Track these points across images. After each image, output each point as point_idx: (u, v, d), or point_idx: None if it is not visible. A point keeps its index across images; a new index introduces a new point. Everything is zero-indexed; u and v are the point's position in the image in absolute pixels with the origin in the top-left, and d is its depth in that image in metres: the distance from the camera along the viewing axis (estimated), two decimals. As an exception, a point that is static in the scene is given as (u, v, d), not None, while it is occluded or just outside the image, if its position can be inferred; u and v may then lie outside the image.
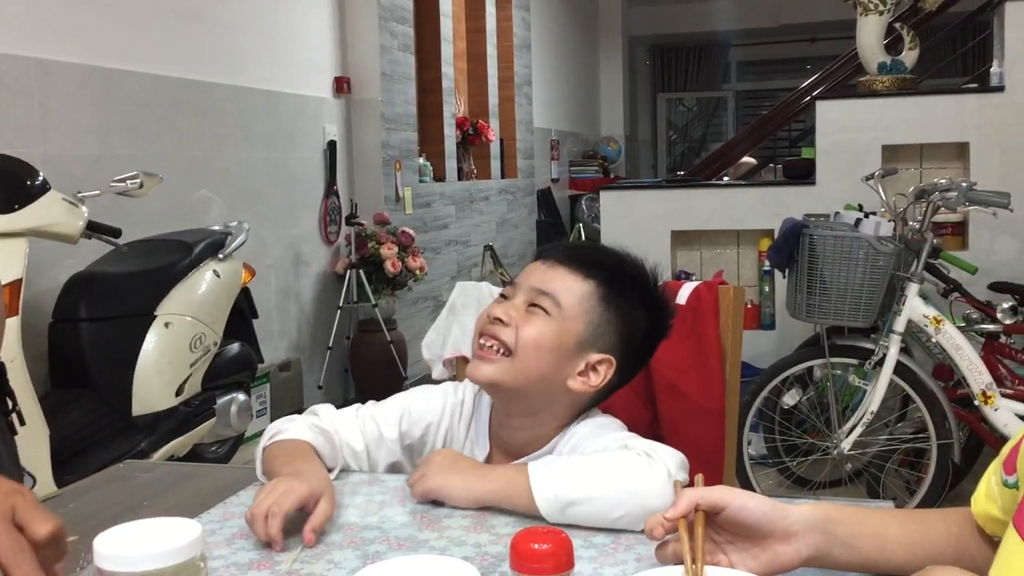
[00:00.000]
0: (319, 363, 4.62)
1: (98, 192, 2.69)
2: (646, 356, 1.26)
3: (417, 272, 4.83)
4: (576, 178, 8.65)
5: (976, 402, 2.87)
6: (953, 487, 2.99)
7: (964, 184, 2.87)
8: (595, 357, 1.16)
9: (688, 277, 4.09)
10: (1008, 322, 3.00)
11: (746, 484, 3.11)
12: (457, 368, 1.64)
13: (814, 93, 4.90)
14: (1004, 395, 2.87)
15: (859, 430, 2.93)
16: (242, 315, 3.31)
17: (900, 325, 2.89)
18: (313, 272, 4.69)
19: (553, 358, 1.14)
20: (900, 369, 2.90)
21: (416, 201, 5.40)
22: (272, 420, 4.49)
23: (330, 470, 1.15)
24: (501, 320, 1.15)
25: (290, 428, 1.17)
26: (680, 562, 0.82)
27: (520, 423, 1.20)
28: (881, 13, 3.85)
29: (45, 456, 2.33)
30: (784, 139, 8.63)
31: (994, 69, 4.04)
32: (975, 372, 2.86)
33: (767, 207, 3.99)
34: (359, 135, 5.03)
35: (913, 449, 3.10)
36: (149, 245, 3.02)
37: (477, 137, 6.38)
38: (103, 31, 3.32)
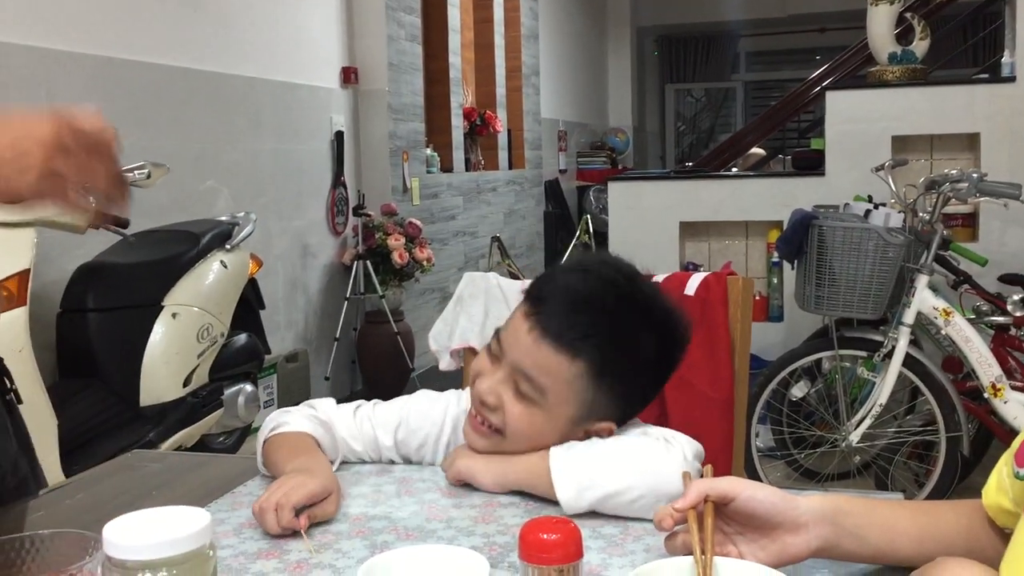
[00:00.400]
0: (326, 354, 4.62)
1: (106, 182, 2.68)
2: (661, 385, 1.17)
3: (424, 263, 4.82)
4: (584, 169, 8.63)
5: (986, 395, 2.86)
6: (962, 480, 2.98)
7: (975, 175, 2.85)
8: (595, 427, 1.10)
9: (696, 268, 4.08)
10: (1018, 314, 2.98)
11: (754, 476, 3.10)
12: (464, 359, 1.64)
13: (824, 83, 4.87)
14: (1014, 387, 2.86)
15: (868, 422, 2.92)
16: (249, 306, 3.31)
17: (909, 317, 2.88)
18: (320, 263, 4.69)
19: (546, 437, 1.09)
20: (909, 361, 2.89)
21: (423, 192, 5.40)
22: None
23: (331, 462, 1.15)
24: (487, 403, 1.09)
25: (290, 420, 1.16)
26: (689, 553, 0.82)
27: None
28: (892, 3, 3.83)
29: (53, 446, 2.34)
30: (793, 130, 8.60)
31: (1005, 59, 4.02)
32: (985, 364, 2.84)
33: (776, 198, 3.98)
34: (366, 126, 5.03)
35: (922, 442, 3.09)
36: (156, 236, 3.02)
37: (484, 128, 6.37)
38: (110, 22, 3.31)
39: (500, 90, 6.63)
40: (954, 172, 2.91)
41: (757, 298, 3.98)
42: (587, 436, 1.10)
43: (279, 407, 4.05)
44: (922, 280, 2.87)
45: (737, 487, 0.86)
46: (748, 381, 1.60)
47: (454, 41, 5.85)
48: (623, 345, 1.07)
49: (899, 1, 3.84)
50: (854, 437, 2.93)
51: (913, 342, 2.95)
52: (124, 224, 2.79)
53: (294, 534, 0.98)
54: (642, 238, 4.15)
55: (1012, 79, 3.82)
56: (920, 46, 3.91)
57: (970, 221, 3.83)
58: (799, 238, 3.04)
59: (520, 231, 7.10)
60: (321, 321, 4.67)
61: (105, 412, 2.65)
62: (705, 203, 4.15)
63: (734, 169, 5.34)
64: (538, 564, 0.79)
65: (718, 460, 1.49)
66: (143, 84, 3.45)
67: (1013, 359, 3.01)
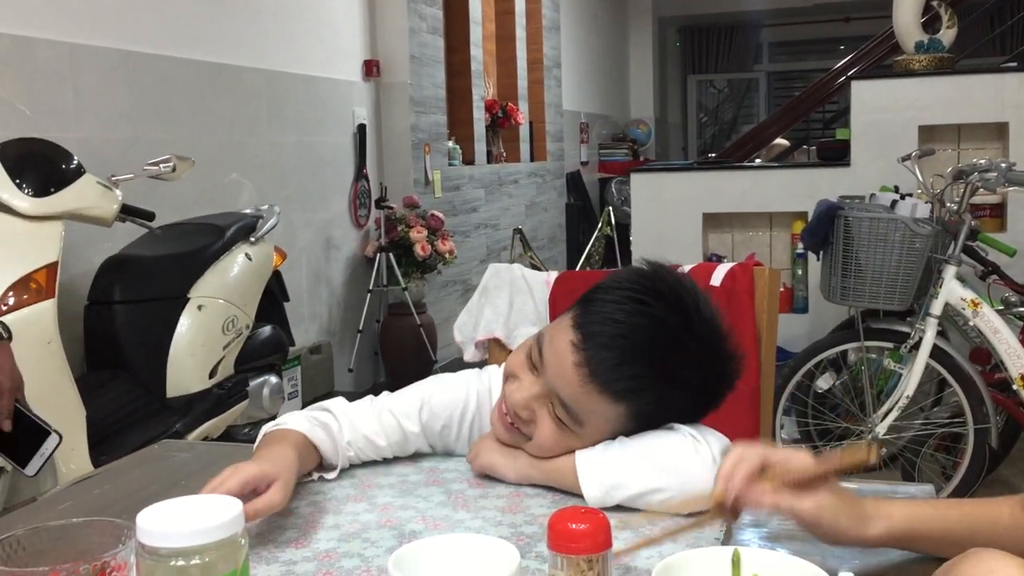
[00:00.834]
0: (349, 346, 4.64)
1: (132, 176, 2.71)
2: (703, 416, 1.11)
3: (447, 255, 4.83)
4: (605, 161, 8.60)
5: (1014, 386, 2.83)
6: (990, 472, 2.95)
7: (1003, 164, 2.82)
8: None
9: (720, 260, 4.06)
10: (1048, 305, 2.95)
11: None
12: (490, 350, 1.64)
13: (849, 73, 4.82)
14: (1043, 379, 2.83)
15: (894, 414, 2.89)
16: (273, 298, 3.33)
17: (937, 308, 2.85)
18: (343, 256, 4.71)
19: (574, 450, 1.07)
20: (936, 353, 2.86)
21: (445, 184, 5.40)
22: (304, 403, 4.51)
23: (332, 467, 1.11)
24: (520, 416, 1.08)
25: (287, 420, 1.12)
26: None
27: None
28: (918, -10, 3.78)
29: (82, 436, 2.36)
30: (817, 120, 8.53)
31: (1034, 47, 3.95)
32: (1013, 356, 2.81)
33: (800, 189, 3.95)
34: (388, 118, 5.03)
35: (949, 434, 3.06)
36: (182, 228, 3.04)
37: (506, 120, 6.36)
38: (135, 16, 3.34)
39: (522, 82, 6.61)
40: (982, 162, 2.87)
41: (782, 289, 3.96)
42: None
43: (303, 399, 4.12)
44: (950, 271, 2.84)
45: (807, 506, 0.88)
46: (774, 373, 1.59)
47: (475, 33, 5.84)
48: (670, 392, 1.04)
49: (926, -11, 3.80)
50: (880, 429, 2.91)
51: (940, 333, 2.92)
52: (150, 217, 2.82)
53: (318, 521, 0.99)
54: (665, 230, 4.13)
55: (1041, 67, 3.77)
56: (947, 34, 3.86)
57: (998, 211, 3.79)
58: (825, 229, 3.01)
59: (542, 223, 7.09)
60: (344, 313, 4.68)
61: (132, 403, 2.67)
62: (728, 194, 4.12)
63: (757, 160, 5.30)
64: (567, 554, 0.79)
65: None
66: (167, 78, 3.47)
67: (1042, 351, 2.97)
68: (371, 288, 4.67)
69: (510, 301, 1.64)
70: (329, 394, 4.50)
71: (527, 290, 1.65)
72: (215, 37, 3.75)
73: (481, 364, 1.63)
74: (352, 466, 1.17)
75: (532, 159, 6.89)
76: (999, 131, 3.87)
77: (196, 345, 2.80)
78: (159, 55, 3.43)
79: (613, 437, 1.06)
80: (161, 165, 2.75)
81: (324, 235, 4.54)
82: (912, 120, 3.81)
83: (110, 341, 2.71)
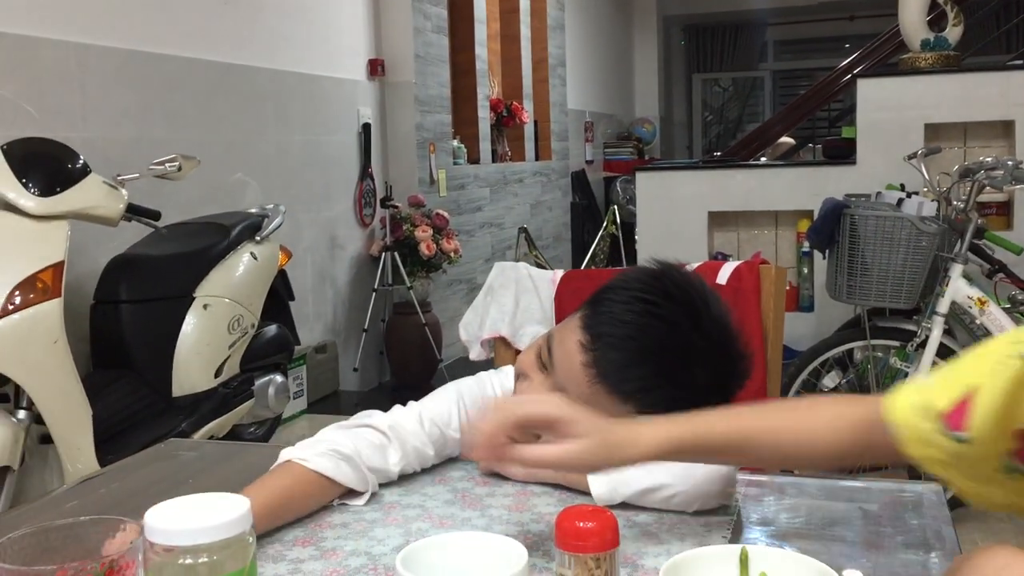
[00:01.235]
0: (355, 345, 4.64)
1: (137, 175, 2.71)
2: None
3: (452, 254, 4.83)
4: (610, 160, 8.59)
5: (1021, 385, 2.81)
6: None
7: (1010, 162, 2.81)
8: None
9: (725, 259, 4.05)
10: (1055, 303, 2.94)
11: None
12: (495, 349, 1.64)
13: (854, 71, 4.82)
14: (1050, 378, 2.81)
15: (900, 413, 2.88)
16: (279, 297, 3.33)
17: (943, 307, 2.85)
18: (348, 255, 4.71)
19: None
20: (943, 351, 2.85)
21: (450, 183, 5.40)
22: (309, 402, 4.47)
23: (360, 494, 1.05)
24: None
25: (307, 457, 1.02)
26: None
27: None
28: (924, -12, 3.77)
29: (88, 435, 2.36)
30: (823, 119, 8.51)
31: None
32: (1020, 354, 2.80)
33: (806, 187, 3.94)
34: (393, 117, 5.04)
35: (955, 432, 3.05)
36: (187, 228, 3.05)
37: (511, 119, 6.35)
38: (141, 15, 3.34)
39: (526, 81, 6.61)
40: (989, 159, 2.86)
41: (787, 288, 3.95)
42: None
43: (308, 398, 4.12)
44: (956, 269, 2.84)
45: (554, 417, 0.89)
46: (780, 372, 1.58)
47: (480, 32, 5.84)
48: (679, 392, 1.01)
49: (932, -14, 3.78)
50: (886, 428, 2.90)
51: (947, 332, 2.92)
52: (156, 216, 2.82)
53: (325, 519, 0.99)
54: (671, 228, 4.12)
55: (1048, 65, 3.75)
56: (953, 32, 3.85)
57: (1005, 209, 3.77)
58: (831, 227, 3.01)
59: (547, 222, 7.09)
60: (349, 312, 4.69)
61: (138, 402, 2.67)
62: (734, 193, 4.11)
63: (763, 158, 5.30)
64: (574, 552, 0.78)
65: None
66: (173, 77, 3.47)
67: (1049, 349, 2.96)
68: (376, 287, 4.67)
69: (516, 300, 1.64)
70: (335, 393, 4.51)
71: (533, 289, 1.64)
72: (221, 37, 3.75)
73: (487, 363, 1.64)
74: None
75: (537, 158, 6.89)
76: (1005, 129, 3.86)
77: (202, 344, 2.81)
78: (165, 55, 3.43)
79: None
80: (167, 165, 2.76)
81: (329, 234, 4.54)
82: (918, 118, 3.80)
83: (116, 340, 2.72)
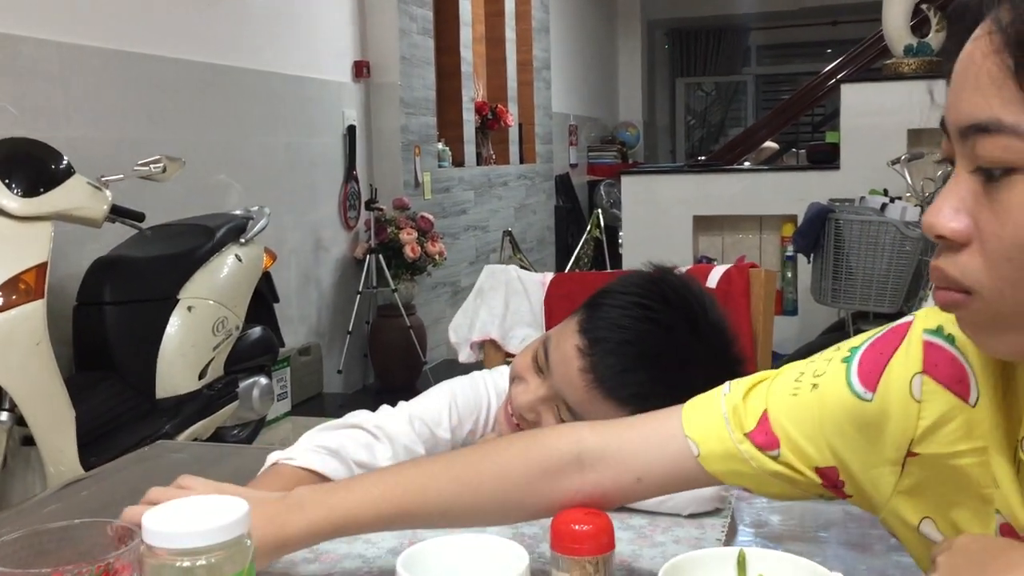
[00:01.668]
0: (339, 347, 4.62)
1: (122, 176, 2.69)
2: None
3: (436, 257, 4.82)
4: (594, 163, 8.61)
5: (1003, 388, 2.84)
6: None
7: (993, 168, 2.83)
8: None
9: (710, 262, 4.07)
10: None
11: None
12: (485, 351, 1.64)
13: (838, 77, 4.85)
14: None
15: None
16: (263, 299, 3.32)
17: (926, 310, 2.87)
18: (332, 257, 4.70)
19: None
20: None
21: (435, 186, 5.39)
22: (293, 404, 4.43)
23: None
24: (526, 419, 1.08)
25: (295, 455, 1.03)
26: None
27: None
28: (908, -6, 3.80)
29: (71, 438, 2.34)
30: (806, 123, 8.57)
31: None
32: (1002, 358, 2.83)
33: (790, 192, 3.96)
34: (378, 120, 5.02)
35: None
36: (172, 229, 3.03)
37: (496, 122, 6.36)
38: (124, 15, 3.32)
39: (511, 84, 6.61)
40: (972, 165, 2.89)
41: (771, 292, 3.97)
42: None
43: (292, 400, 4.10)
44: (939, 273, 2.86)
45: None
46: (769, 374, 1.59)
47: (465, 35, 5.84)
48: (676, 397, 0.97)
49: (915, -7, 3.82)
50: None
51: (930, 336, 2.94)
52: (140, 218, 2.80)
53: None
54: (655, 232, 4.14)
55: (1029, 71, 3.79)
56: (936, 38, 3.88)
57: (986, 215, 3.81)
58: (816, 232, 3.03)
59: (531, 226, 7.09)
60: (333, 315, 4.67)
61: (122, 405, 2.65)
62: (719, 197, 4.13)
63: (747, 163, 5.32)
64: (570, 555, 0.78)
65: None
66: (157, 77, 3.45)
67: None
68: (360, 290, 4.65)
69: (506, 302, 1.63)
70: (319, 396, 4.49)
71: (523, 292, 1.64)
72: (205, 37, 3.73)
73: (476, 365, 1.63)
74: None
75: (521, 161, 6.89)
76: (987, 135, 3.89)
77: (186, 346, 2.79)
78: (149, 55, 3.41)
79: None
80: (152, 166, 2.74)
81: (314, 236, 4.52)
82: (901, 124, 3.83)
83: (99, 342, 2.70)
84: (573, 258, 6.59)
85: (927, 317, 0.72)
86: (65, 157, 2.50)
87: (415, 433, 1.11)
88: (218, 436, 3.08)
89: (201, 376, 2.84)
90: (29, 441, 2.33)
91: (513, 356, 1.60)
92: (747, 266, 1.56)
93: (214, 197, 3.73)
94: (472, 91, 6.02)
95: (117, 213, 2.67)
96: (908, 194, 3.19)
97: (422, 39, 5.26)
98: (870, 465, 0.73)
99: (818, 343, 3.17)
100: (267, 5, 4.12)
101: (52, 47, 2.99)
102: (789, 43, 11.07)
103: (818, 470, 0.75)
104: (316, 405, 4.35)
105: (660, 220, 4.16)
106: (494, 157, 6.51)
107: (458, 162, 5.83)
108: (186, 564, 0.64)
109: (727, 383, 0.82)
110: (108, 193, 2.57)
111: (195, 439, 2.82)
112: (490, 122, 6.32)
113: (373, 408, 1.15)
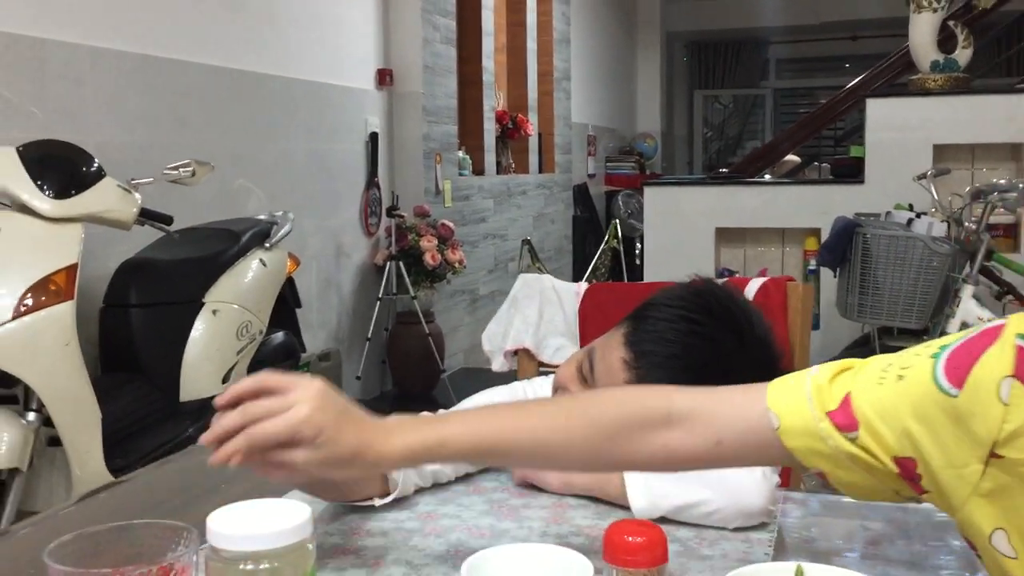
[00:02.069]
0: (358, 354, 4.63)
1: (151, 180, 2.70)
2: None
3: (456, 265, 4.82)
4: (612, 174, 8.61)
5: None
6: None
7: (1022, 184, 2.82)
8: None
9: (731, 275, 4.05)
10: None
11: (797, 483, 3.07)
12: (519, 361, 1.63)
13: (862, 91, 4.83)
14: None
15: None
16: (286, 304, 3.32)
17: (953, 327, 2.85)
18: (353, 263, 4.70)
19: None
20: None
21: (455, 194, 5.40)
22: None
23: (387, 493, 1.03)
24: None
25: None
26: None
27: None
28: (935, 11, 3.79)
29: (97, 439, 2.34)
30: (828, 137, 8.55)
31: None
32: (1030, 376, 2.80)
33: (814, 206, 3.95)
34: (400, 127, 5.04)
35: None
36: (198, 233, 3.04)
37: (516, 131, 6.36)
38: (151, 20, 3.34)
39: (532, 94, 6.63)
40: (1002, 182, 2.87)
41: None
42: None
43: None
44: (967, 290, 2.84)
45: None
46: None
47: (487, 44, 5.85)
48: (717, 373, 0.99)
49: (943, 9, 3.80)
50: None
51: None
52: (168, 221, 2.81)
53: (363, 528, 0.98)
54: (677, 243, 4.13)
55: (1056, 89, 3.77)
56: (963, 54, 3.87)
57: (1011, 231, 3.79)
58: (843, 246, 3.01)
59: (549, 235, 7.09)
60: (353, 321, 4.67)
61: (146, 407, 2.65)
62: (741, 209, 4.12)
63: (767, 176, 5.31)
64: (625, 567, 0.78)
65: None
66: (182, 82, 3.47)
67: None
68: (380, 296, 4.66)
69: (540, 312, 1.63)
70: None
71: (557, 301, 1.64)
72: (231, 43, 3.75)
73: (509, 375, 1.63)
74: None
75: (540, 171, 6.89)
76: (1013, 152, 3.88)
77: (211, 349, 2.79)
78: (176, 60, 3.43)
79: None
80: (181, 170, 2.75)
81: (335, 242, 4.53)
82: (927, 139, 3.82)
83: (125, 344, 2.71)
84: (591, 268, 6.59)
85: (1022, 322, 0.72)
86: (96, 160, 2.51)
87: None
88: (239, 440, 3.07)
89: (225, 379, 2.84)
90: (55, 442, 2.33)
91: (547, 365, 1.60)
92: (784, 280, 1.55)
93: (237, 202, 3.74)
94: (493, 100, 6.03)
95: (146, 216, 2.68)
96: (934, 210, 3.17)
97: (445, 48, 5.28)
98: (950, 461, 0.72)
99: (841, 358, 3.15)
100: (292, 13, 4.14)
101: (79, 51, 3.01)
102: (809, 57, 11.06)
103: (896, 459, 0.74)
104: (334, 411, 4.34)
105: (682, 232, 4.15)
106: (513, 166, 6.52)
107: (478, 171, 5.84)
108: (249, 567, 0.64)
109: (816, 365, 0.82)
110: (138, 196, 2.58)
111: (218, 443, 2.82)
112: (510, 131, 6.33)
113: (389, 415, 1.13)
